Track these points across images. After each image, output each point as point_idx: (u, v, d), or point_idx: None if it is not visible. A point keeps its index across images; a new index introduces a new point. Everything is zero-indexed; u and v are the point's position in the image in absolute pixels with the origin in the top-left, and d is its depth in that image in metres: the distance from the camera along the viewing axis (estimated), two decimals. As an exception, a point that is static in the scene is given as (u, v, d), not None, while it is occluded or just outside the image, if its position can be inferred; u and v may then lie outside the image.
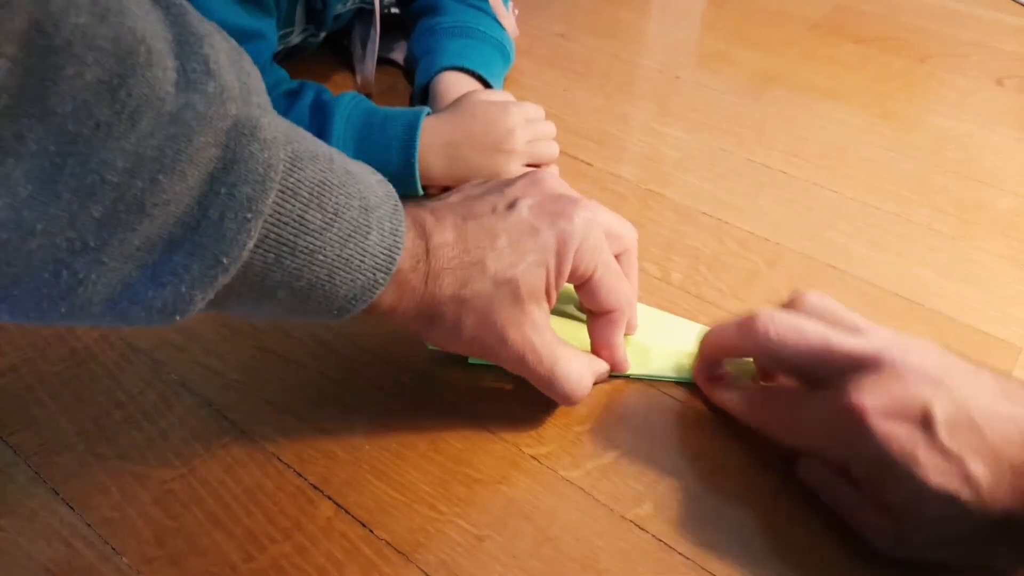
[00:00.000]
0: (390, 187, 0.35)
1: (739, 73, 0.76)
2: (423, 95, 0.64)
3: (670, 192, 0.59)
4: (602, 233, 0.38)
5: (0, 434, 0.40)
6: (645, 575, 0.35)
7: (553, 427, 0.41)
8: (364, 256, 0.32)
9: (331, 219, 0.31)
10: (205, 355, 0.44)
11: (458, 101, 0.57)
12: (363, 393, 0.42)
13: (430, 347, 0.43)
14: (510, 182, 0.39)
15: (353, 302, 0.33)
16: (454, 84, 0.62)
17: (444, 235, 0.35)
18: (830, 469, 0.36)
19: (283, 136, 0.29)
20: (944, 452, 0.31)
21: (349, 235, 0.32)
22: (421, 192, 0.56)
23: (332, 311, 0.33)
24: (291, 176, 0.29)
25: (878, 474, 0.32)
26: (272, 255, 0.30)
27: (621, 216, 0.41)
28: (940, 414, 0.31)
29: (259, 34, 0.57)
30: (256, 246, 0.29)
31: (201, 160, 0.26)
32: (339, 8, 0.66)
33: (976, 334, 0.48)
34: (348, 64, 0.73)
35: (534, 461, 0.39)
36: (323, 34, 0.67)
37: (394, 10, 0.75)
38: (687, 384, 0.43)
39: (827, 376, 0.34)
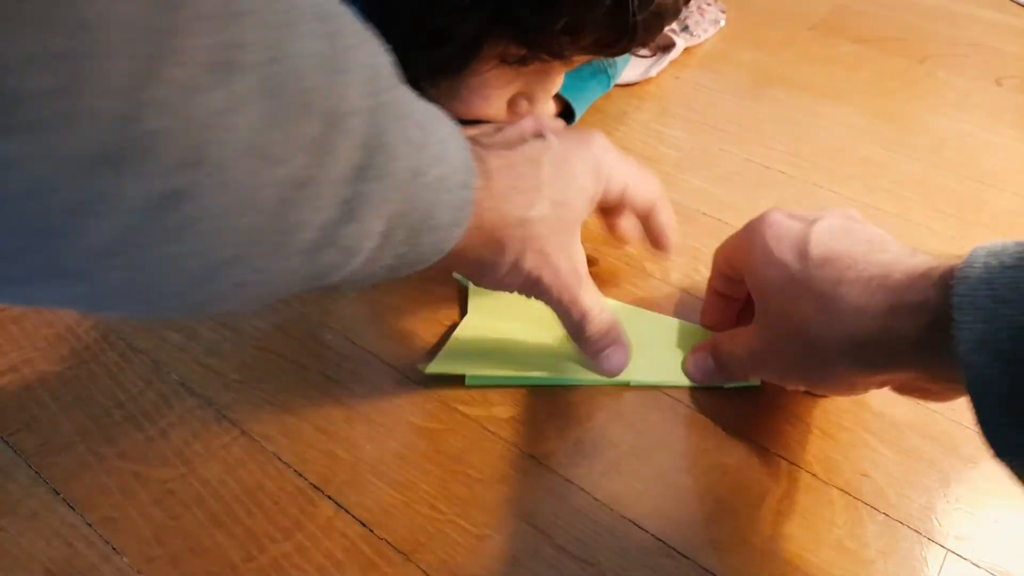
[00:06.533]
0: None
1: (739, 73, 0.76)
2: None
3: (670, 192, 0.58)
4: (618, 155, 0.41)
5: (0, 434, 0.40)
6: (645, 575, 0.35)
7: (553, 427, 0.41)
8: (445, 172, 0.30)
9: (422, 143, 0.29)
10: (205, 355, 0.44)
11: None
12: (363, 393, 0.42)
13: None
14: (516, 123, 0.39)
15: (451, 228, 0.31)
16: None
17: (497, 160, 0.35)
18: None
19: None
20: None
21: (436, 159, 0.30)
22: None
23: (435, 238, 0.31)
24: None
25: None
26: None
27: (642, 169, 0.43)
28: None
29: None
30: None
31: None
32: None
33: (976, 334, 0.47)
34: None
35: (534, 461, 0.39)
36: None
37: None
38: (688, 385, 0.43)
39: None
